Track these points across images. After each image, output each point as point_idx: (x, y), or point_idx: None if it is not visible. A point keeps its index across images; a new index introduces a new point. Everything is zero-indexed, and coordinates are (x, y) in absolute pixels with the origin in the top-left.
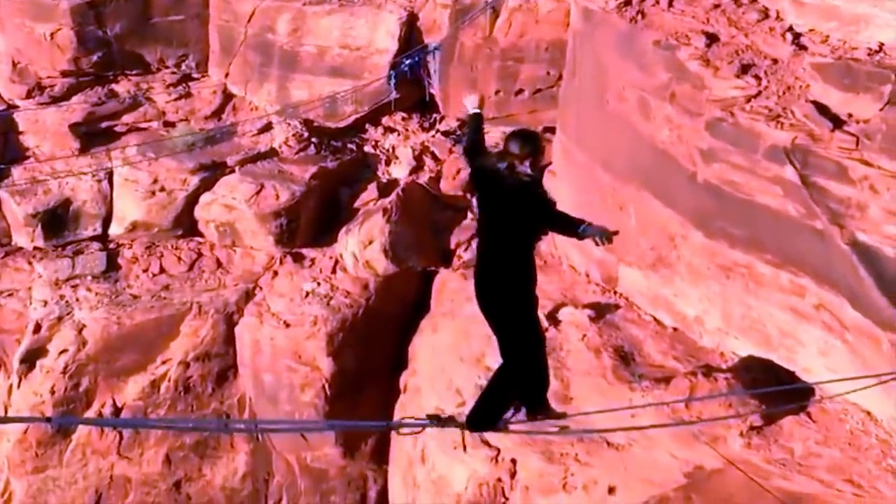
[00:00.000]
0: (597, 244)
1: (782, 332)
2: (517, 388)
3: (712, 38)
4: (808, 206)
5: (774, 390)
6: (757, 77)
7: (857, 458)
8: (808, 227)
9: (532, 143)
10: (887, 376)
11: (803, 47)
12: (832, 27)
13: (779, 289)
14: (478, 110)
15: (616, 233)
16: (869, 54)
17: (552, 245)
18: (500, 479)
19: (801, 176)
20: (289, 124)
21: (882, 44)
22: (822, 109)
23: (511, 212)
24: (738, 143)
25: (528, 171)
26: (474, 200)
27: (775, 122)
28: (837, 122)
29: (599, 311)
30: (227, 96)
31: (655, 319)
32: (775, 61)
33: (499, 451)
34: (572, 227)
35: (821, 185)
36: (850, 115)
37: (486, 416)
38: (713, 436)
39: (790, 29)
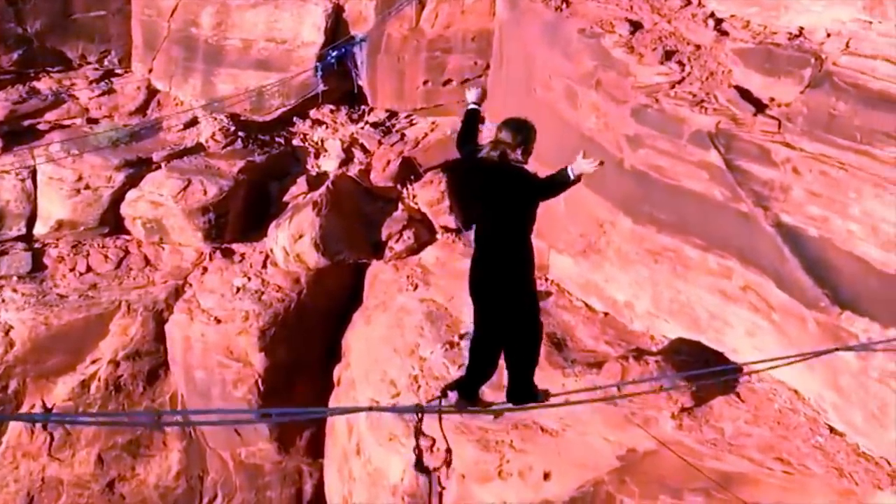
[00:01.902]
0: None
1: (710, 314)
2: (535, 356)
3: (636, 26)
4: (732, 190)
5: (706, 372)
6: (680, 63)
7: (786, 437)
8: (734, 209)
9: (524, 131)
10: (812, 354)
11: (725, 33)
12: (753, 13)
13: (706, 272)
14: (476, 106)
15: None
16: (789, 39)
17: None
18: (435, 469)
19: (725, 160)
20: (215, 119)
21: (802, 28)
22: (745, 94)
23: (507, 198)
24: (664, 129)
25: (520, 158)
26: (446, 187)
27: (699, 107)
28: (760, 106)
29: None
30: (152, 92)
31: (586, 305)
32: (698, 47)
33: (434, 440)
34: (562, 179)
35: (745, 169)
36: (771, 99)
37: (524, 389)
38: (645, 418)
39: (712, 15)
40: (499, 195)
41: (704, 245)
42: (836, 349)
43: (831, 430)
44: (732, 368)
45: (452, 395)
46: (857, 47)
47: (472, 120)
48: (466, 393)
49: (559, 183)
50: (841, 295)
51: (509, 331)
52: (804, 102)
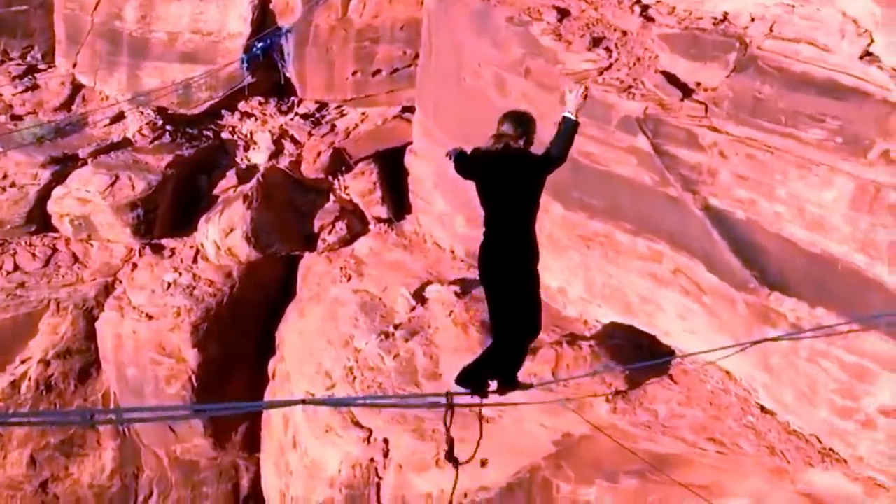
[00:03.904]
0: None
1: (642, 298)
2: (508, 358)
3: (563, 13)
4: (661, 174)
5: (648, 364)
6: (608, 50)
7: (719, 417)
8: (663, 194)
9: (525, 123)
10: (748, 343)
11: (651, 19)
12: None
13: (637, 256)
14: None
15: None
16: (714, 24)
17: (416, 223)
18: (373, 460)
19: (653, 145)
20: (142, 113)
21: (726, 13)
22: (672, 79)
23: (511, 181)
24: (593, 115)
25: (522, 146)
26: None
27: (627, 93)
28: (686, 91)
29: (465, 287)
30: (76, 87)
31: None
32: (625, 34)
33: (371, 431)
34: (566, 128)
35: (673, 153)
36: (698, 84)
37: (473, 376)
38: (580, 403)
39: (638, 1)
40: (502, 179)
41: (635, 230)
42: (778, 337)
43: (762, 409)
44: (670, 359)
45: (492, 383)
46: (780, 31)
47: (462, 155)
48: (506, 380)
49: (565, 134)
50: (769, 276)
51: (507, 318)
52: (730, 86)
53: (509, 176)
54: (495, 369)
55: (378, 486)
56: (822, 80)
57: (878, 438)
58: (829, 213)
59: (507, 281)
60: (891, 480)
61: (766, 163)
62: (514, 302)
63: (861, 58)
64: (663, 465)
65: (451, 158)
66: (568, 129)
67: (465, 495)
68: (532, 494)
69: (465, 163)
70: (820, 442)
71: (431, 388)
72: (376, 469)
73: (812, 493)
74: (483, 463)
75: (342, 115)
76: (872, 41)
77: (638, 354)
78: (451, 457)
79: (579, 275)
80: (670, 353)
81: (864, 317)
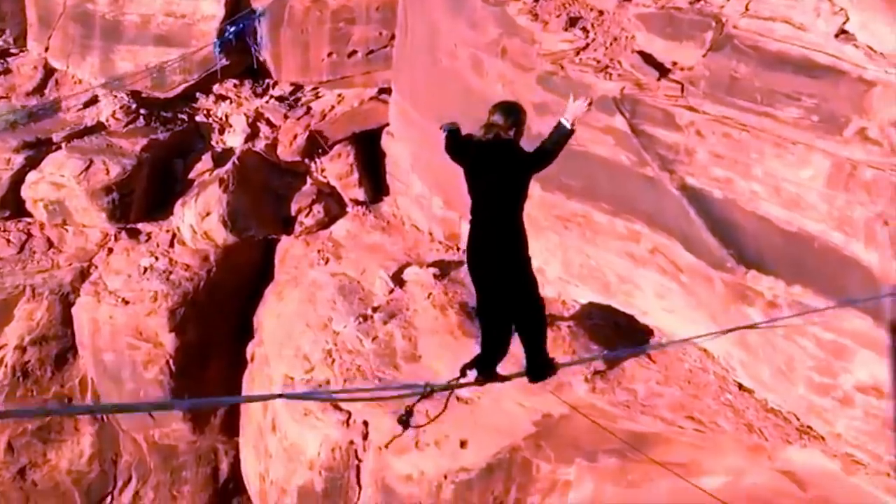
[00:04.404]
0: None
1: (620, 278)
2: (540, 330)
3: None
4: (638, 154)
5: (632, 350)
6: (584, 30)
7: (697, 395)
8: (640, 174)
9: (515, 114)
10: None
11: None
12: None
13: (615, 236)
14: (451, 127)
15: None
16: (690, 3)
17: (394, 206)
18: (352, 442)
19: (630, 125)
20: (115, 97)
21: None
22: (648, 59)
23: (497, 173)
24: (569, 96)
25: (513, 138)
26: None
27: (604, 73)
28: (663, 71)
29: (443, 269)
30: (49, 71)
31: None
32: (601, 13)
33: (350, 414)
34: (560, 133)
35: (650, 133)
36: (674, 63)
37: (537, 365)
38: (559, 383)
39: None
40: (490, 170)
41: (612, 210)
42: (755, 325)
43: (740, 387)
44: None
45: (472, 374)
46: (756, 9)
47: (455, 132)
48: (483, 369)
49: (557, 139)
50: (746, 254)
51: (509, 307)
52: (706, 66)
53: (497, 167)
54: (475, 362)
55: (358, 468)
56: (798, 58)
57: (855, 415)
58: (805, 192)
59: (499, 273)
60: (868, 457)
61: (743, 142)
62: (507, 294)
63: (836, 36)
64: (642, 443)
65: (444, 131)
66: (561, 135)
67: (445, 476)
68: (512, 474)
69: (457, 142)
70: (798, 419)
71: (410, 370)
72: (356, 451)
73: (790, 471)
74: (462, 444)
75: (318, 97)
76: (847, 19)
77: (616, 334)
78: (403, 420)
79: (557, 255)
80: (649, 332)
81: (843, 300)
